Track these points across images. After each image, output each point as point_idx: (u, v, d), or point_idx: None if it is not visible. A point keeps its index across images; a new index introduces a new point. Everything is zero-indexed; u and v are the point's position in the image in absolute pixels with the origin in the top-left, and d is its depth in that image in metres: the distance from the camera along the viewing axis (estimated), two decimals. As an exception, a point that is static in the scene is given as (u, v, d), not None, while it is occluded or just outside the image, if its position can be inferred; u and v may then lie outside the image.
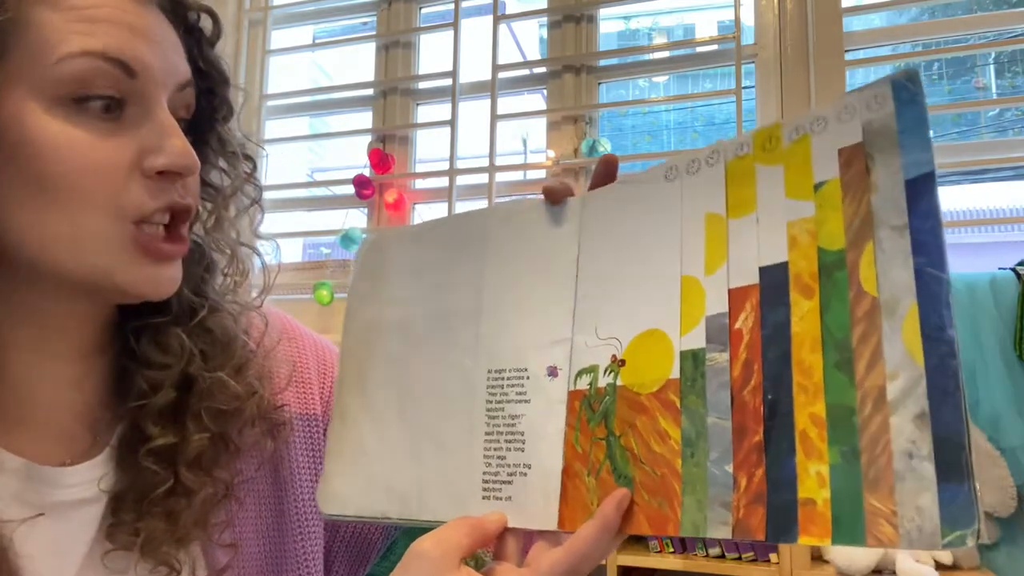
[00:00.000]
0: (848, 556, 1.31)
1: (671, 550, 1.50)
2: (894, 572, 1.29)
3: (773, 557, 1.43)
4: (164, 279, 0.45)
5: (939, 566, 1.28)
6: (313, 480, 0.55)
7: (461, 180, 1.89)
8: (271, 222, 2.14)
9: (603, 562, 1.49)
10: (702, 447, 0.38)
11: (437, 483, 0.48)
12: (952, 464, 0.30)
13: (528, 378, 0.47)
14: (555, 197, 0.49)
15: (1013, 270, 1.42)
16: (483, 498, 0.46)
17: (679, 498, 0.38)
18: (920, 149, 0.34)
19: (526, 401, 0.46)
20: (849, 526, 0.32)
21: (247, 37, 2.09)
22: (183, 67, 0.46)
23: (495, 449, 0.46)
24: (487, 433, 0.47)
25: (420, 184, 2.00)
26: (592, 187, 0.50)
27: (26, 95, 0.40)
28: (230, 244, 0.53)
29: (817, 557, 1.41)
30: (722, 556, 1.46)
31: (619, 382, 0.43)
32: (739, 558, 1.45)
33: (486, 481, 0.46)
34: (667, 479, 0.39)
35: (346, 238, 1.86)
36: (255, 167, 0.55)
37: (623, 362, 0.43)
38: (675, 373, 0.41)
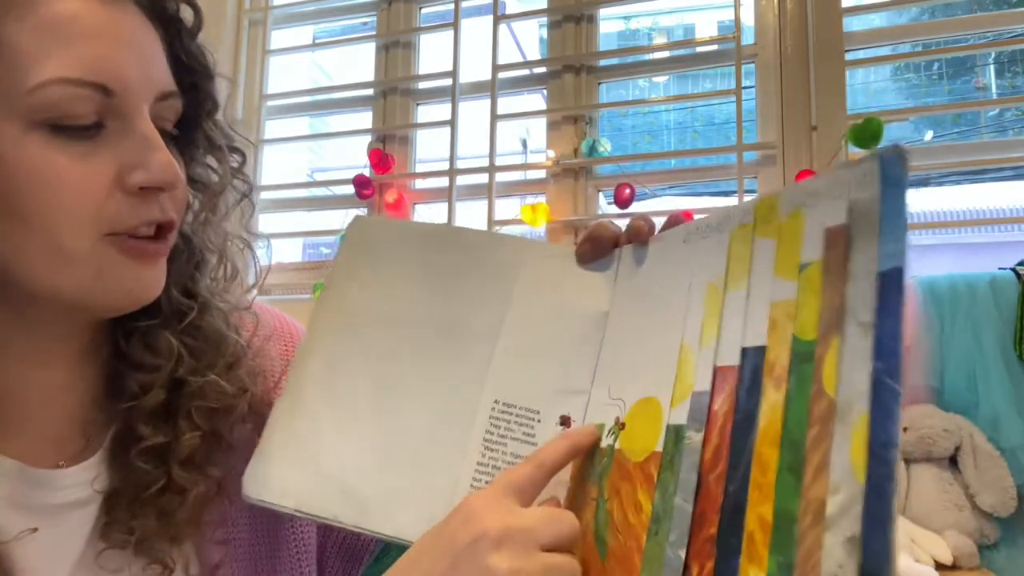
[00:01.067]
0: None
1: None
2: (894, 572, 1.29)
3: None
4: (148, 280, 0.44)
5: (939, 566, 1.28)
6: None
7: (461, 180, 1.89)
8: (271, 222, 2.14)
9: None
10: (665, 526, 0.38)
11: (409, 498, 0.45)
12: None
13: (539, 422, 0.46)
14: (586, 259, 0.50)
15: (1013, 270, 1.42)
16: None
17: (637, 573, 0.38)
18: (895, 240, 0.33)
19: (532, 444, 0.45)
20: None
21: (247, 37, 2.09)
22: (164, 74, 0.45)
23: (487, 482, 0.45)
24: (479, 464, 0.45)
25: (420, 184, 2.00)
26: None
27: (1, 119, 0.38)
28: (220, 241, 0.52)
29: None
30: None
31: (617, 445, 0.43)
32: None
33: None
34: (631, 552, 0.39)
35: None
36: (244, 160, 0.54)
37: (623, 425, 0.43)
38: (660, 446, 0.40)
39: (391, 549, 0.60)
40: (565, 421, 0.46)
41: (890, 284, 0.32)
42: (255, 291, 0.56)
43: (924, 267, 1.55)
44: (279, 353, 0.58)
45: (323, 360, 0.50)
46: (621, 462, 0.42)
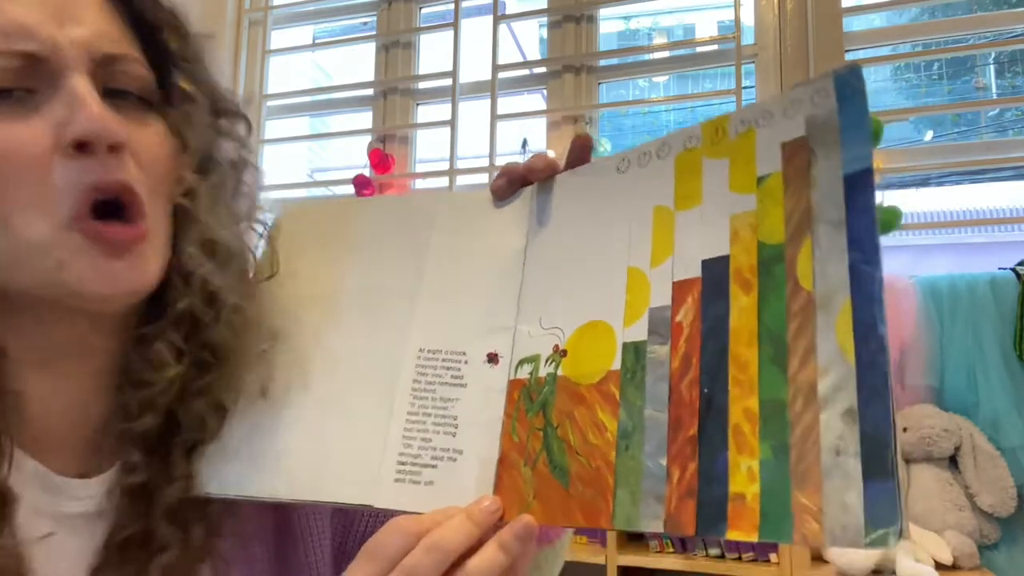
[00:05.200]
0: (848, 557, 1.31)
1: (671, 550, 1.50)
2: (894, 572, 1.29)
3: (773, 557, 1.43)
4: (121, 272, 0.40)
5: (939, 566, 1.28)
6: None
7: (461, 180, 1.89)
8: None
9: (603, 562, 1.49)
10: (637, 439, 0.38)
11: (338, 461, 0.45)
12: (878, 462, 0.30)
13: (466, 362, 0.45)
14: (502, 194, 0.49)
15: (1013, 270, 1.42)
16: (396, 480, 0.43)
17: (612, 490, 0.38)
18: (859, 145, 0.34)
19: (462, 385, 0.45)
20: (776, 522, 0.32)
21: (247, 37, 2.09)
22: (104, 37, 0.42)
23: (419, 431, 0.44)
24: (410, 413, 0.45)
25: (420, 184, 2.00)
26: (566, 167, 0.49)
27: None
28: (227, 226, 0.47)
29: (817, 557, 1.41)
30: (722, 556, 1.46)
31: (560, 372, 0.43)
32: (739, 558, 1.45)
33: (402, 463, 0.44)
34: (601, 471, 0.39)
35: (346, 238, 1.86)
36: (248, 128, 0.50)
37: (565, 352, 0.43)
38: (616, 365, 0.40)
39: None
40: (492, 358, 0.45)
41: (857, 184, 0.34)
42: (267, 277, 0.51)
43: (924, 267, 1.55)
44: None
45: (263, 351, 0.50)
46: (569, 388, 0.42)
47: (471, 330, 0.46)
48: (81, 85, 0.39)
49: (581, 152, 0.48)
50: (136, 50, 0.43)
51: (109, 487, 0.45)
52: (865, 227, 0.33)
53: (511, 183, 0.49)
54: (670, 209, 0.42)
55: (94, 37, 0.41)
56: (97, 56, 0.41)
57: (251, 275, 0.49)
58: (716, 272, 0.38)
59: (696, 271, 0.39)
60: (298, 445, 0.46)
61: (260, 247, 0.51)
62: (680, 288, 0.40)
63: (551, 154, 0.48)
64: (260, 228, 0.51)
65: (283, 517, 0.53)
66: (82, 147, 0.39)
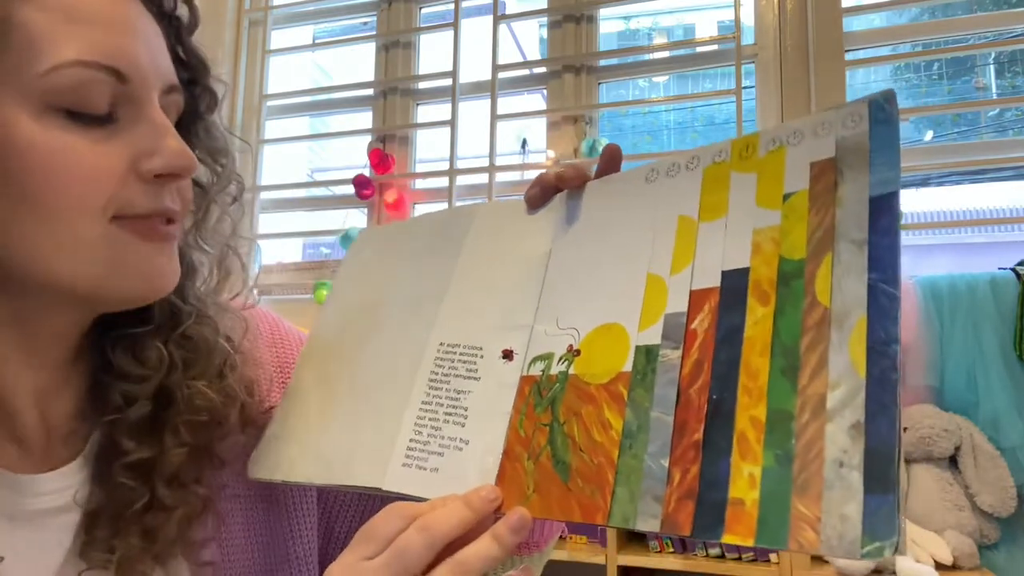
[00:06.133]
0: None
1: (671, 550, 1.50)
2: (894, 572, 1.29)
3: (773, 557, 1.43)
4: (161, 265, 0.43)
5: (939, 566, 1.28)
6: None
7: (461, 180, 1.89)
8: (271, 222, 2.13)
9: (603, 562, 1.49)
10: (641, 440, 0.38)
11: (362, 448, 0.47)
12: (880, 476, 0.30)
13: (482, 357, 0.47)
14: (534, 203, 0.51)
15: (1013, 270, 1.42)
16: (403, 465, 0.45)
17: (611, 487, 0.38)
18: (888, 168, 0.35)
19: (475, 379, 0.46)
20: (773, 528, 0.32)
21: (247, 37, 2.09)
22: (170, 67, 0.44)
23: (431, 419, 0.46)
24: (424, 402, 0.47)
25: (420, 184, 2.00)
26: (596, 176, 0.50)
27: (13, 102, 0.37)
28: (213, 245, 0.51)
29: (817, 558, 1.41)
30: (722, 556, 1.46)
31: (571, 371, 0.43)
32: (739, 558, 1.45)
33: (411, 448, 0.45)
34: (602, 468, 0.39)
35: (346, 238, 1.86)
36: (234, 161, 0.53)
37: (578, 352, 0.44)
38: (627, 366, 0.41)
39: None
40: (507, 354, 0.46)
41: (883, 206, 0.35)
42: (250, 295, 0.55)
43: (924, 267, 1.55)
44: (270, 359, 0.56)
45: (318, 353, 0.55)
46: (578, 386, 0.42)
47: (490, 327, 0.48)
48: (161, 117, 0.42)
49: (611, 161, 0.49)
50: (178, 81, 0.46)
51: (74, 483, 0.45)
52: (887, 248, 0.34)
53: (544, 191, 0.51)
54: (693, 219, 0.43)
55: (164, 63, 0.44)
56: (165, 85, 0.43)
57: (212, 285, 0.52)
58: (735, 283, 0.39)
59: (715, 281, 0.40)
60: (334, 435, 0.49)
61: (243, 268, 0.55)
62: (697, 296, 0.40)
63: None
64: (235, 251, 0.54)
65: (270, 511, 0.54)
66: (159, 176, 0.41)
